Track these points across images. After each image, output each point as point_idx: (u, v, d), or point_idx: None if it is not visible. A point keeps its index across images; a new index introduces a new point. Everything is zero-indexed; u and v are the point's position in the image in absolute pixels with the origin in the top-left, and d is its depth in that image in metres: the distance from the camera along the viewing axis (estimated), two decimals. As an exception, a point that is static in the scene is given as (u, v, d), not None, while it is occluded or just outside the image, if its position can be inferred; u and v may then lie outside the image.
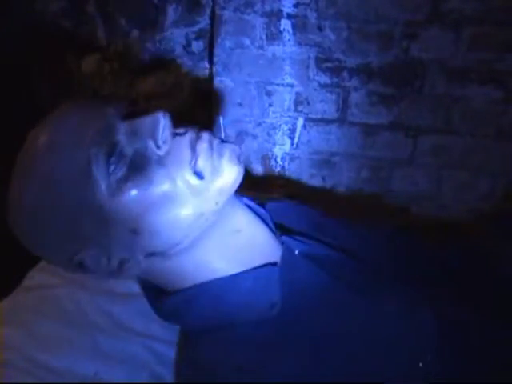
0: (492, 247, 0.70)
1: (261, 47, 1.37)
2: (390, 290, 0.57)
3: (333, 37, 1.33)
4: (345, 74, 1.36)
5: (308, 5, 1.31)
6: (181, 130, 0.51)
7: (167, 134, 0.49)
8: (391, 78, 1.34)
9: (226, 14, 1.35)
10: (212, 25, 1.38)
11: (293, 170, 1.49)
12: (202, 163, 0.49)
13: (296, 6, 1.31)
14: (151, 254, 0.52)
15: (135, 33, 1.39)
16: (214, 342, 0.53)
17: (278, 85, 1.40)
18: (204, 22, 1.39)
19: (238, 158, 0.51)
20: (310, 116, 1.43)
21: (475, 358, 0.52)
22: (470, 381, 0.51)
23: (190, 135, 0.50)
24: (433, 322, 0.53)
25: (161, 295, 0.57)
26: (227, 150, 0.51)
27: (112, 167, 0.48)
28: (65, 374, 0.67)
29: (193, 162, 0.49)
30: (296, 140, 1.46)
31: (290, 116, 1.43)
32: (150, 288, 0.60)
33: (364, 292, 0.56)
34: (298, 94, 1.41)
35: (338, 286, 0.56)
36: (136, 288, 0.81)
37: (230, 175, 0.50)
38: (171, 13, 1.38)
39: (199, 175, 0.49)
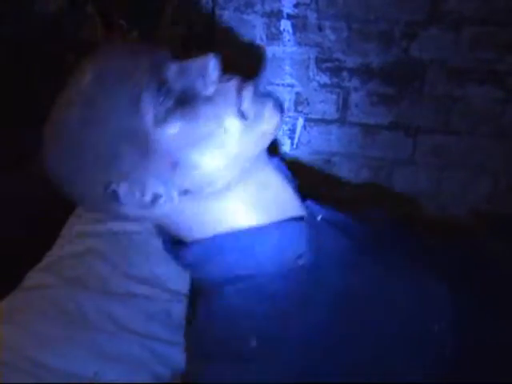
0: (492, 247, 0.70)
1: (261, 47, 1.37)
2: (407, 267, 0.57)
3: (333, 37, 1.33)
4: (345, 74, 1.36)
5: (308, 5, 1.31)
6: (227, 76, 0.53)
7: (216, 75, 0.51)
8: (391, 78, 1.34)
9: (226, 13, 1.35)
10: (212, 25, 1.38)
11: (293, 170, 1.49)
12: (247, 106, 0.51)
13: (296, 6, 1.31)
14: (185, 192, 0.52)
15: (135, 33, 1.39)
16: (238, 292, 0.53)
17: (278, 85, 1.41)
18: (204, 22, 1.39)
19: (281, 107, 0.53)
20: (310, 116, 1.43)
21: (489, 334, 0.53)
22: (483, 355, 0.52)
23: (236, 81, 0.52)
24: (447, 295, 0.54)
25: (183, 244, 0.57)
26: (271, 98, 0.53)
27: (160, 99, 0.49)
28: (65, 374, 0.67)
29: (238, 103, 0.51)
30: (296, 140, 1.46)
31: (290, 116, 1.43)
32: (172, 238, 0.59)
33: (383, 264, 0.56)
34: (298, 94, 1.41)
35: (359, 251, 0.57)
36: (136, 288, 0.81)
37: (271, 121, 0.52)
38: (171, 13, 1.38)
39: (243, 116, 0.51)
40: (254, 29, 1.36)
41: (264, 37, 1.36)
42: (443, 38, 1.27)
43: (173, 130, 0.49)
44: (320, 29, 1.32)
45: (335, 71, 1.36)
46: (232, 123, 0.50)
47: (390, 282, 0.55)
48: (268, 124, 0.52)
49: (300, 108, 1.42)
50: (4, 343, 0.68)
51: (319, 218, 0.59)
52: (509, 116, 1.32)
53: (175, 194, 0.52)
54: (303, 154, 1.47)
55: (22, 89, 1.19)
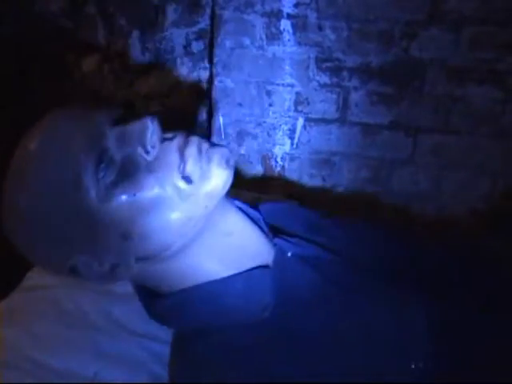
0: (492, 247, 0.70)
1: (261, 47, 1.38)
2: (382, 292, 0.57)
3: (333, 37, 1.33)
4: (345, 73, 1.36)
5: (308, 5, 1.31)
6: (169, 135, 0.51)
7: (155, 139, 0.49)
8: (391, 77, 1.34)
9: (226, 14, 1.36)
10: (212, 25, 1.38)
11: (293, 170, 1.50)
12: (191, 168, 0.49)
13: (296, 6, 1.32)
14: (142, 259, 0.52)
15: (135, 33, 1.39)
16: (207, 344, 0.54)
17: (278, 85, 1.41)
18: (204, 22, 1.39)
19: (228, 162, 0.51)
20: (310, 116, 1.43)
21: (468, 359, 0.53)
22: (463, 381, 0.51)
23: (178, 140, 0.51)
24: (424, 323, 0.54)
25: (154, 298, 0.58)
26: (216, 154, 0.51)
27: (101, 174, 0.48)
28: (64, 374, 0.67)
29: (181, 167, 0.49)
30: (296, 140, 1.46)
31: (290, 116, 1.44)
32: (144, 290, 0.60)
33: (356, 294, 0.56)
34: (297, 94, 1.41)
35: (331, 288, 0.56)
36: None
37: (218, 179, 0.50)
38: (171, 13, 1.38)
39: (188, 180, 0.49)
40: (254, 29, 1.36)
41: (264, 37, 1.36)
42: (443, 38, 1.27)
43: (117, 203, 0.48)
44: (320, 28, 1.32)
45: (335, 71, 1.37)
46: (177, 190, 0.49)
47: (363, 317, 0.54)
48: (215, 183, 0.50)
49: (300, 108, 1.42)
50: (4, 343, 0.68)
51: (289, 254, 0.58)
52: (509, 116, 1.32)
53: (132, 262, 0.52)
54: (303, 154, 1.47)
55: (22, 89, 1.19)
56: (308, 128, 1.44)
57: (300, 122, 1.44)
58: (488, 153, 1.37)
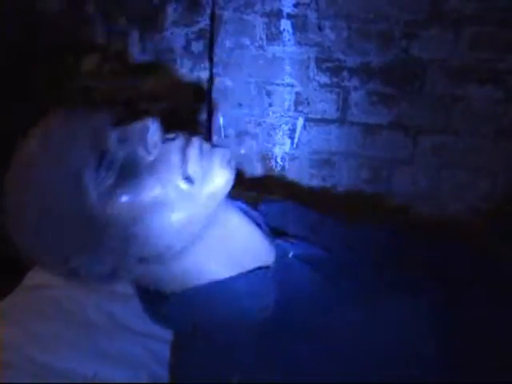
0: (492, 247, 0.70)
1: (261, 47, 1.37)
2: (384, 291, 0.57)
3: (333, 37, 1.33)
4: (345, 73, 1.36)
5: (308, 5, 1.31)
6: (170, 136, 0.51)
7: (157, 139, 0.49)
8: (391, 77, 1.34)
9: (226, 14, 1.35)
10: (212, 25, 1.38)
11: (293, 170, 1.49)
12: (192, 168, 0.49)
13: (296, 6, 1.31)
14: (143, 260, 0.52)
15: (135, 33, 1.39)
16: (208, 345, 0.54)
17: (278, 85, 1.41)
18: (204, 22, 1.39)
19: (229, 163, 0.51)
20: (309, 116, 1.43)
21: (475, 365, 0.53)
22: (466, 374, 0.51)
23: (179, 140, 0.50)
24: (428, 321, 0.54)
25: (155, 299, 0.58)
26: (217, 154, 0.51)
27: (102, 175, 0.48)
28: (65, 374, 0.67)
29: (183, 167, 0.49)
30: (296, 140, 1.46)
31: (290, 116, 1.44)
32: (145, 292, 0.60)
33: (357, 295, 0.56)
34: (297, 94, 1.41)
35: (332, 288, 0.56)
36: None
37: (220, 180, 0.50)
38: (171, 13, 1.38)
39: (189, 180, 0.49)
40: (254, 29, 1.36)
41: (264, 37, 1.36)
42: (443, 37, 1.27)
43: (118, 204, 0.48)
44: (320, 29, 1.32)
45: (335, 71, 1.36)
46: (178, 190, 0.49)
47: (365, 316, 0.54)
48: (217, 184, 0.50)
49: (300, 108, 1.42)
50: (4, 343, 0.68)
51: (290, 255, 0.58)
52: (509, 116, 1.32)
53: (134, 263, 0.52)
54: (303, 154, 1.47)
55: (22, 89, 1.19)
56: (308, 128, 1.44)
57: (300, 122, 1.44)
58: (488, 153, 1.37)
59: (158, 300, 0.57)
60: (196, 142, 0.51)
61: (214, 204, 0.51)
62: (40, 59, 1.23)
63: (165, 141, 0.50)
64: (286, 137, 1.47)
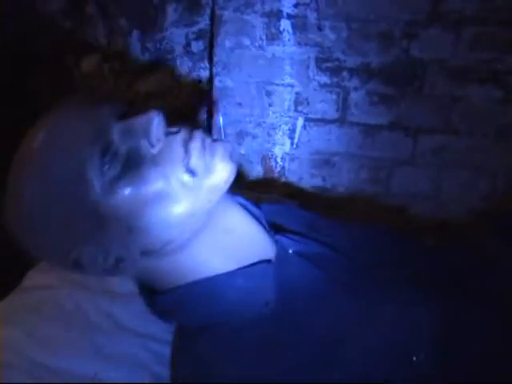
0: (492, 247, 0.70)
1: (261, 47, 1.37)
2: (383, 290, 0.57)
3: (333, 37, 1.33)
4: (345, 73, 1.36)
5: (308, 5, 1.31)
6: (174, 129, 0.52)
7: (160, 132, 0.50)
8: (391, 77, 1.34)
9: (226, 14, 1.35)
10: (212, 25, 1.38)
11: (293, 170, 1.49)
12: (195, 161, 0.50)
13: (296, 6, 1.31)
14: (146, 253, 0.52)
15: (135, 33, 1.39)
16: (210, 340, 0.54)
17: (277, 85, 1.40)
18: (204, 22, 1.39)
19: (231, 156, 0.52)
20: (309, 116, 1.43)
21: (470, 359, 0.53)
22: (461, 375, 0.51)
23: (182, 134, 0.51)
24: (425, 319, 0.54)
25: (156, 294, 0.58)
26: (220, 148, 0.52)
27: (106, 166, 0.48)
28: (65, 374, 0.67)
29: (186, 160, 0.50)
30: (296, 140, 1.46)
31: (290, 116, 1.43)
32: (146, 287, 0.60)
33: (357, 291, 0.56)
34: (297, 94, 1.41)
35: (332, 284, 0.56)
36: (136, 288, 0.81)
37: (222, 173, 0.51)
38: (171, 13, 1.38)
39: (192, 173, 0.50)
40: (254, 29, 1.35)
41: (264, 37, 1.36)
42: (443, 38, 1.27)
43: (122, 196, 0.48)
44: (320, 29, 1.32)
45: (335, 71, 1.36)
46: (181, 183, 0.50)
47: (365, 316, 0.54)
48: (219, 176, 0.51)
49: (300, 108, 1.42)
50: (4, 343, 0.68)
51: (291, 251, 0.59)
52: (509, 116, 1.32)
53: (137, 255, 0.52)
54: (303, 154, 1.47)
55: (23, 89, 1.19)
56: (308, 128, 1.44)
57: (300, 122, 1.44)
58: (488, 153, 1.37)
59: (159, 295, 0.57)
60: (198, 135, 0.51)
61: (216, 197, 0.52)
62: (40, 59, 1.23)
63: (168, 134, 0.51)
64: (285, 137, 1.46)
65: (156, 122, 0.49)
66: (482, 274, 0.63)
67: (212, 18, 1.38)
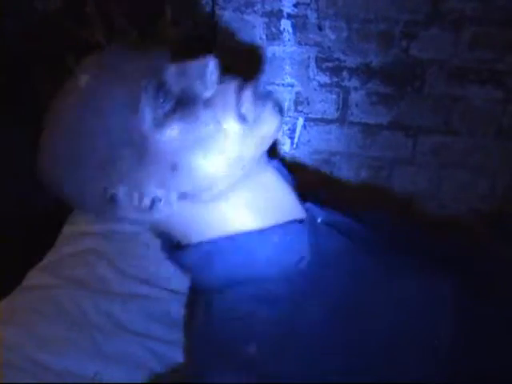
0: (491, 247, 0.70)
1: (261, 47, 1.37)
2: (411, 267, 0.56)
3: (333, 37, 1.33)
4: (345, 73, 1.36)
5: (308, 5, 1.31)
6: (227, 78, 0.52)
7: (215, 77, 0.51)
8: (391, 77, 1.34)
9: (226, 14, 1.35)
10: (212, 25, 1.38)
11: (293, 170, 1.49)
12: (247, 109, 0.51)
13: (296, 5, 1.31)
14: (184, 196, 0.52)
15: (135, 33, 1.39)
16: (238, 296, 0.53)
17: (278, 85, 1.41)
18: (204, 22, 1.39)
19: (281, 110, 0.53)
20: (309, 116, 1.43)
21: (488, 343, 0.52)
22: (482, 368, 0.51)
23: (235, 83, 0.52)
24: (451, 302, 0.53)
25: (182, 247, 0.56)
26: (270, 100, 0.53)
27: (161, 100, 0.49)
28: (65, 374, 0.67)
29: (238, 107, 0.51)
30: (296, 140, 1.46)
31: (290, 116, 1.43)
32: (168, 240, 0.59)
33: (386, 264, 0.56)
34: (297, 93, 1.41)
35: (360, 253, 0.56)
36: (136, 288, 0.81)
37: (271, 124, 0.52)
38: (171, 13, 1.38)
39: (243, 119, 0.51)
40: (254, 29, 1.36)
41: (264, 37, 1.36)
42: (443, 38, 1.27)
43: (172, 132, 0.49)
44: (320, 28, 1.32)
45: (335, 71, 1.36)
46: (231, 127, 0.50)
47: (391, 283, 0.54)
48: (268, 127, 0.52)
49: (300, 108, 1.42)
50: (4, 343, 0.68)
51: (319, 220, 0.58)
52: (509, 116, 1.33)
53: (174, 197, 0.52)
54: (303, 154, 1.47)
55: (23, 89, 1.19)
56: (308, 128, 1.44)
57: (300, 122, 1.44)
58: (488, 153, 1.37)
59: (187, 248, 0.56)
60: (251, 86, 0.52)
61: (263, 148, 0.53)
62: (40, 59, 1.23)
63: (221, 81, 0.52)
64: (285, 137, 1.47)
65: (212, 66, 0.50)
66: (482, 274, 0.63)
67: (212, 17, 1.38)
